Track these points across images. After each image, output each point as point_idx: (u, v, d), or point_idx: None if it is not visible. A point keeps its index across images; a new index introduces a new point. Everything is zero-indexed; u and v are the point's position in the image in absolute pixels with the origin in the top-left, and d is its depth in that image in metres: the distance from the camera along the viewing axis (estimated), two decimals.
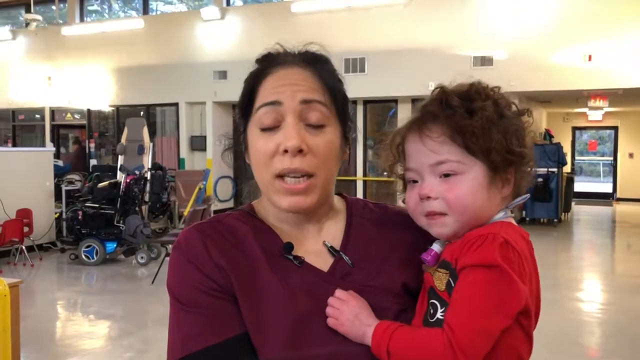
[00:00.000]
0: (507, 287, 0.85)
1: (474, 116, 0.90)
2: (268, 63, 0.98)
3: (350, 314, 0.91)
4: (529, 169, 0.96)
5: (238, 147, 1.03)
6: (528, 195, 0.98)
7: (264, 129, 0.94)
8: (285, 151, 0.91)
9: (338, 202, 1.07)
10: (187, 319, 0.92)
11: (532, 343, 0.92)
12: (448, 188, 0.92)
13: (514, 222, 0.95)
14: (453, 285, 0.89)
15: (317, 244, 1.00)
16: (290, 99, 0.93)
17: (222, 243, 0.96)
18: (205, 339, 0.90)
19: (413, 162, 0.95)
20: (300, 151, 0.91)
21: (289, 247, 0.97)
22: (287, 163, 0.91)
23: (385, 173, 1.02)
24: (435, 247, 0.97)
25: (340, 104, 0.99)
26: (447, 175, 0.92)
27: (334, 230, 1.03)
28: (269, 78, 0.96)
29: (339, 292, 0.93)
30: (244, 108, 0.98)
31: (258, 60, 1.00)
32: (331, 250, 1.00)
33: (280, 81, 0.95)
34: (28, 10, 14.56)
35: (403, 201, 1.01)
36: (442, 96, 0.93)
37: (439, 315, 0.90)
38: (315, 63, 0.98)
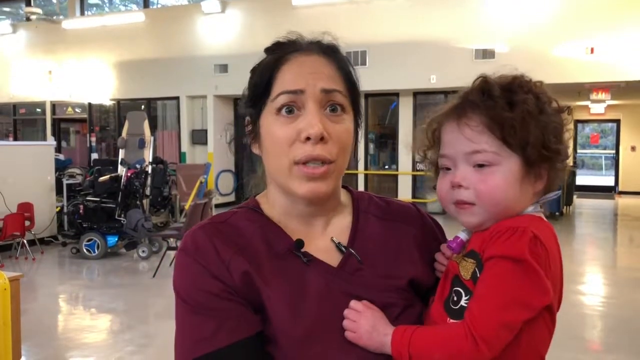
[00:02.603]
0: (532, 281, 0.85)
1: (515, 109, 0.89)
2: (284, 50, 0.97)
3: (367, 325, 0.91)
4: (563, 166, 0.95)
5: (245, 138, 1.01)
6: (559, 192, 1.00)
7: (284, 115, 0.92)
8: (307, 138, 0.90)
9: (344, 195, 1.07)
10: (196, 320, 0.90)
11: (551, 340, 0.92)
12: (481, 179, 0.92)
13: (543, 217, 0.95)
14: (479, 275, 0.89)
15: (325, 240, 1.00)
16: (311, 86, 0.92)
17: (231, 244, 0.94)
18: (216, 341, 0.88)
19: (448, 149, 0.95)
20: (321, 139, 0.91)
21: (300, 244, 0.96)
22: (309, 150, 0.90)
23: (418, 163, 1.01)
24: (462, 235, 0.98)
25: (355, 95, 0.99)
26: (481, 166, 0.92)
27: (340, 225, 1.02)
28: (287, 65, 0.94)
29: (354, 304, 0.93)
30: (257, 96, 0.96)
31: (270, 49, 0.98)
32: (339, 246, 0.99)
33: (301, 68, 0.94)
34: (28, 4, 14.55)
35: (434, 187, 1.00)
36: (484, 86, 0.93)
37: (463, 302, 0.91)
38: (332, 52, 0.98)
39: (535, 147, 0.89)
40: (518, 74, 0.95)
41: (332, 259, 0.98)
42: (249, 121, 1.00)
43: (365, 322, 0.91)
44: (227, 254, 0.92)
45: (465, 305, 0.89)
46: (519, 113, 0.89)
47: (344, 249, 0.99)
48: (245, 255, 0.93)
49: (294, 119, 0.92)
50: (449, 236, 1.10)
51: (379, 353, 0.91)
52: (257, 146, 0.99)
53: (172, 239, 7.50)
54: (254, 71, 0.99)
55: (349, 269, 0.97)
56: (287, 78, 0.93)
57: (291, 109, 0.92)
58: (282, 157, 0.92)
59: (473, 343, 0.84)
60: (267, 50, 0.99)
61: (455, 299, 0.93)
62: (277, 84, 0.93)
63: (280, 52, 0.96)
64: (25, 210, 7.99)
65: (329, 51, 0.98)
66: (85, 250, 7.79)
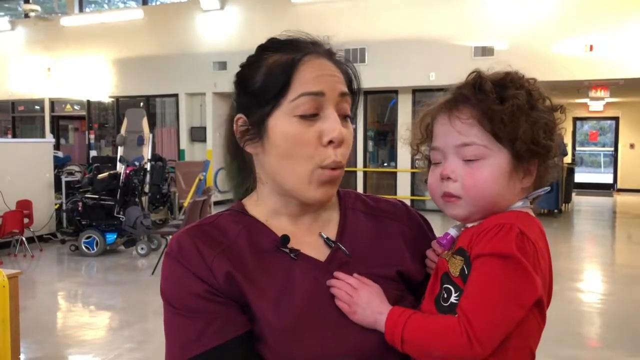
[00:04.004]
0: (522, 278, 0.85)
1: (505, 103, 0.90)
2: (297, 50, 0.95)
3: (362, 301, 0.92)
4: (554, 163, 0.96)
5: (249, 136, 0.97)
6: (548, 188, 0.98)
7: (305, 117, 0.92)
8: (330, 142, 0.91)
9: None
10: (182, 323, 0.90)
11: (541, 335, 0.93)
12: (469, 172, 0.92)
13: (531, 212, 0.96)
14: (467, 272, 0.90)
15: (313, 236, 1.00)
16: (331, 90, 0.93)
17: (214, 245, 0.94)
18: (203, 343, 0.88)
19: (439, 142, 0.96)
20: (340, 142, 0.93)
21: (286, 239, 0.96)
22: (332, 155, 0.92)
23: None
24: (452, 231, 0.98)
25: (355, 101, 1.01)
26: (470, 159, 0.93)
27: (328, 222, 1.03)
28: (305, 66, 0.93)
29: (351, 279, 0.93)
30: (269, 95, 0.93)
31: (275, 48, 0.96)
32: (327, 241, 1.00)
33: (320, 71, 0.94)
34: (27, 1, 14.52)
35: (425, 181, 1.00)
36: (477, 80, 0.94)
37: (452, 299, 0.91)
38: (338, 58, 0.99)
39: (524, 141, 0.90)
40: (512, 70, 0.95)
41: (320, 254, 0.98)
42: (244, 120, 0.97)
43: (359, 298, 0.91)
44: (210, 256, 0.92)
45: (455, 301, 0.90)
46: (508, 107, 0.90)
47: (332, 243, 0.99)
48: (229, 255, 0.93)
49: (314, 122, 0.92)
50: (440, 232, 1.10)
51: (371, 334, 0.91)
52: (258, 146, 0.96)
53: (171, 237, 7.48)
54: (254, 68, 0.96)
55: (337, 262, 0.97)
56: (307, 80, 0.92)
57: (312, 114, 0.92)
58: (303, 160, 0.92)
59: (468, 341, 0.85)
60: (272, 48, 0.97)
61: (445, 296, 0.93)
62: (296, 84, 0.92)
63: (294, 53, 0.95)
64: (24, 207, 7.99)
65: (335, 56, 0.99)
66: (84, 248, 7.79)
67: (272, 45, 0.98)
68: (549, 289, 0.93)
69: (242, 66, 0.99)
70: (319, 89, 0.92)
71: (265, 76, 0.94)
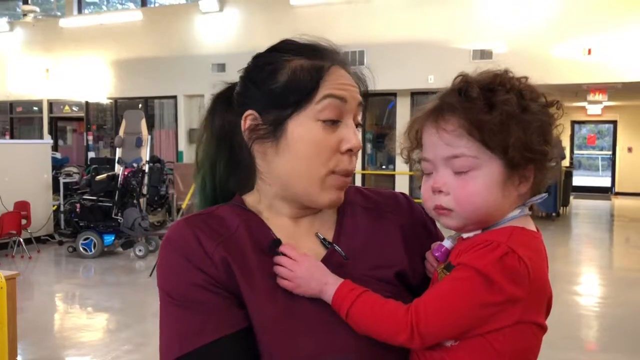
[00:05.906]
0: (486, 296, 0.83)
1: (494, 110, 0.85)
2: (321, 57, 0.96)
3: (303, 273, 0.90)
4: (551, 166, 0.91)
5: (261, 134, 0.95)
6: (546, 195, 0.94)
7: (327, 123, 0.93)
8: (348, 150, 0.94)
9: None
10: (181, 315, 0.88)
11: (540, 347, 0.92)
12: (461, 184, 0.89)
13: (530, 220, 0.92)
14: None
15: (311, 237, 0.99)
16: (352, 99, 0.96)
17: (214, 235, 0.93)
18: (203, 336, 0.86)
19: (428, 153, 0.93)
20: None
21: (277, 243, 0.95)
22: (347, 163, 0.94)
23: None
24: (447, 243, 0.96)
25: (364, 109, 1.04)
26: (461, 171, 0.89)
27: (327, 220, 1.02)
28: (330, 75, 0.94)
29: (289, 251, 0.92)
30: (295, 98, 0.92)
31: (294, 50, 0.96)
32: (324, 242, 0.99)
33: (343, 79, 0.95)
34: (26, 2, 14.52)
35: (420, 187, 0.98)
36: (462, 86, 0.89)
37: None
38: (352, 68, 1.01)
39: (517, 149, 0.85)
40: (500, 70, 0.91)
41: (317, 255, 0.97)
42: (256, 117, 0.95)
43: (301, 271, 0.90)
44: (210, 246, 0.91)
45: None
46: (497, 115, 0.85)
47: (328, 245, 0.98)
48: (229, 246, 0.92)
49: (335, 129, 0.93)
50: (441, 229, 1.09)
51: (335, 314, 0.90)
52: (269, 146, 0.95)
53: None
54: (273, 68, 0.94)
55: (332, 264, 0.95)
56: (333, 85, 0.93)
57: (335, 120, 0.94)
58: (319, 164, 0.93)
59: (410, 334, 0.85)
60: (292, 51, 0.96)
61: None
62: (322, 90, 0.93)
63: (319, 60, 0.95)
64: (22, 208, 7.98)
65: (349, 66, 1.00)
66: (81, 249, 7.78)
67: (291, 48, 0.97)
68: (548, 302, 0.91)
69: (258, 64, 0.98)
70: (344, 95, 0.94)
71: (289, 78, 0.93)
